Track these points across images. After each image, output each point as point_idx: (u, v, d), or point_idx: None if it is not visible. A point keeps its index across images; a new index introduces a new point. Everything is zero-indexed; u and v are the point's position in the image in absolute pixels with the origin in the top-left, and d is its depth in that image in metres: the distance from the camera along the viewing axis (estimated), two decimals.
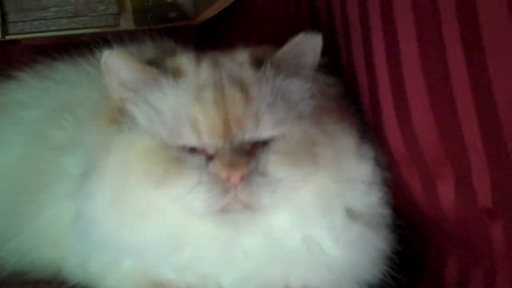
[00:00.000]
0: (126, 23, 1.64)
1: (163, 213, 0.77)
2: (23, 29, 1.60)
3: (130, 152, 0.78)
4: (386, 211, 0.86)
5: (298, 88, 0.80)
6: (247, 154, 0.75)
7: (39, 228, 0.97)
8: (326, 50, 0.95)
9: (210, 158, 0.75)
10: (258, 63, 0.80)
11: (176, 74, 0.79)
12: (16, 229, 1.01)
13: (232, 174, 0.73)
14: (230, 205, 0.75)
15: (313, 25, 1.04)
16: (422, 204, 0.84)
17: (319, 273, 0.82)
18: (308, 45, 0.81)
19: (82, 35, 1.58)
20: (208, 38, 1.71)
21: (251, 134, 0.75)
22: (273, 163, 0.76)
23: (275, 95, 0.77)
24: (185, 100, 0.76)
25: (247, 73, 0.79)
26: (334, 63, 0.96)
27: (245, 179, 0.73)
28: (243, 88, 0.77)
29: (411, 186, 0.85)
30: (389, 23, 0.78)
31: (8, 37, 1.61)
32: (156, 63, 0.81)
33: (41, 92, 1.13)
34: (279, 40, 1.19)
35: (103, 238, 0.82)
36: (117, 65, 0.79)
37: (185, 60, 0.81)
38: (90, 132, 0.86)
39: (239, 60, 0.81)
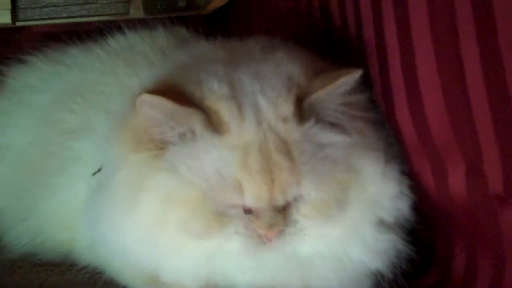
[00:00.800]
0: (136, 11, 1.64)
1: (199, 252, 0.79)
2: (33, 15, 1.59)
3: (169, 200, 0.76)
4: (412, 217, 0.86)
5: (335, 140, 0.78)
6: (284, 210, 0.76)
7: (51, 210, 0.97)
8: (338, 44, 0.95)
9: (248, 210, 0.76)
10: (300, 114, 0.76)
11: (218, 126, 0.75)
12: (27, 211, 1.01)
13: (270, 232, 0.75)
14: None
15: (323, 15, 1.04)
16: (432, 194, 0.85)
17: (341, 276, 0.82)
18: (348, 84, 0.78)
19: (92, 22, 1.58)
20: (218, 26, 1.71)
21: (292, 196, 0.76)
22: (304, 215, 0.77)
23: (316, 152, 0.76)
24: (229, 162, 0.74)
25: (292, 132, 0.75)
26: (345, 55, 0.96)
27: (280, 232, 0.76)
28: (288, 151, 0.74)
29: (422, 176, 0.85)
30: (401, 9, 0.78)
31: (18, 24, 1.60)
32: (193, 104, 0.75)
33: (52, 76, 1.13)
34: (289, 29, 1.20)
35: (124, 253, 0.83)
36: (154, 111, 0.74)
37: (227, 110, 0.75)
38: (109, 146, 0.83)
39: (283, 114, 0.76)
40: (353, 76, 0.77)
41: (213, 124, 0.75)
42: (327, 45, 1.05)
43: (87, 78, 1.07)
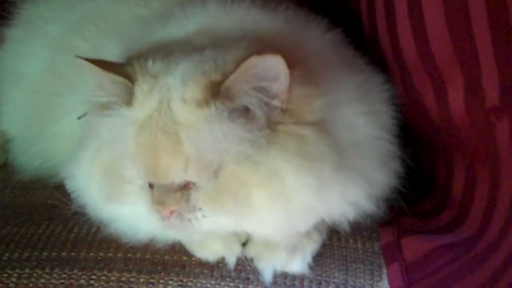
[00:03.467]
0: None
1: (120, 210, 0.83)
2: None
3: (94, 161, 0.81)
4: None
5: (243, 131, 0.72)
6: (180, 190, 0.75)
7: (62, 132, 0.99)
8: None
9: (151, 185, 0.77)
10: (206, 98, 0.72)
11: (130, 99, 0.75)
12: (40, 134, 1.05)
13: (161, 210, 0.75)
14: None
15: None
16: (433, 114, 0.87)
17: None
18: (264, 69, 0.70)
19: None
20: None
21: (178, 178, 0.74)
22: (203, 202, 0.75)
23: (212, 138, 0.72)
24: (128, 135, 0.75)
25: (189, 115, 0.72)
26: None
27: (176, 213, 0.75)
28: (176, 134, 0.72)
29: (423, 96, 0.87)
30: None
31: None
32: (125, 75, 0.77)
33: (65, 7, 1.14)
34: None
35: None
36: (88, 70, 0.78)
37: (141, 86, 0.75)
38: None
39: (186, 95, 0.73)
40: (262, 59, 0.69)
41: (130, 97, 0.76)
42: None
43: (100, 8, 1.09)
